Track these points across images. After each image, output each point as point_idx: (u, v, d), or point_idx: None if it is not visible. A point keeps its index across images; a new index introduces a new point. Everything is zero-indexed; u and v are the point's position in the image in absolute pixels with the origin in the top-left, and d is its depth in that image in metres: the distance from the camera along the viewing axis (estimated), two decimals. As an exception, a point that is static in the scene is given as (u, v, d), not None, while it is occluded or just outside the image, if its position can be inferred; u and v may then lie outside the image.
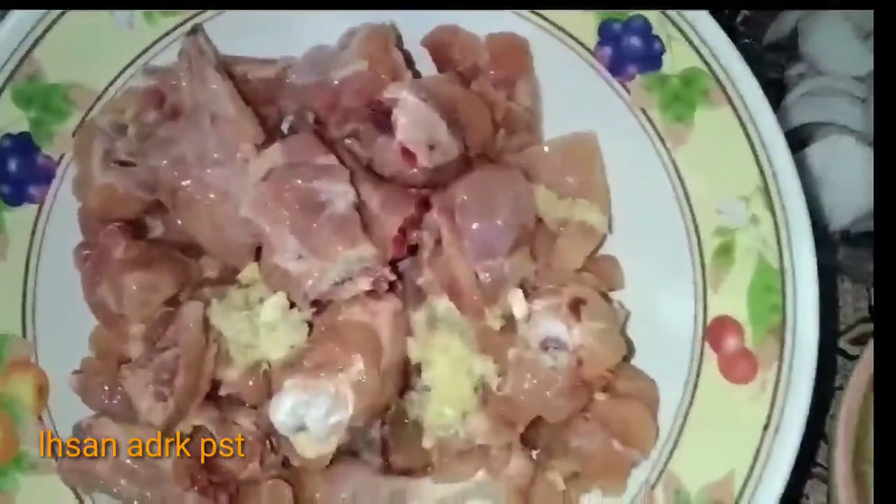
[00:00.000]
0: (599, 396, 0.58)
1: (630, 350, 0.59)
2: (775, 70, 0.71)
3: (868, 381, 0.61)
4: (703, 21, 0.56)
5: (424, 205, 0.59)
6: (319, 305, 0.59)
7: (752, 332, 0.56)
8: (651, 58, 0.58)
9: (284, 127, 0.66)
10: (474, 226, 0.58)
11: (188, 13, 0.63)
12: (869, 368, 0.61)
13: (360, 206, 0.57)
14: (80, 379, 0.61)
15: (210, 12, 0.63)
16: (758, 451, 0.54)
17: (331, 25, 0.64)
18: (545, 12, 0.61)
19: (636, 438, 0.58)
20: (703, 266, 0.59)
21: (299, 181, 0.56)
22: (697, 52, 0.57)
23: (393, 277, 0.57)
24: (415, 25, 0.63)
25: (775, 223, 0.56)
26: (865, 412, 0.61)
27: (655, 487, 0.58)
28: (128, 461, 0.58)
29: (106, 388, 0.60)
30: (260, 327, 0.58)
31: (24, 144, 0.62)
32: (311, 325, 0.59)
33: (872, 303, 0.68)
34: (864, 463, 0.61)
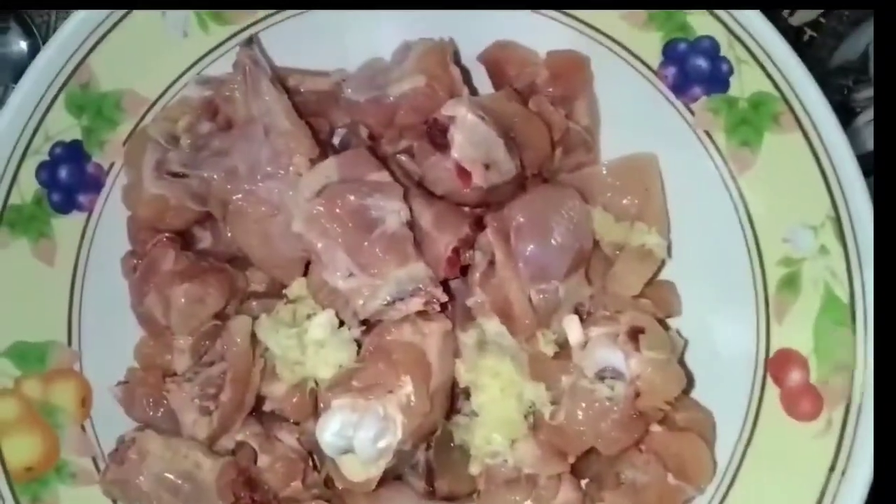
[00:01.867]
0: (655, 428, 0.56)
1: (689, 382, 0.57)
2: (841, 94, 0.69)
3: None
4: (774, 44, 0.54)
5: (478, 224, 0.58)
6: (368, 324, 0.57)
7: (817, 368, 0.54)
8: (718, 79, 0.57)
9: (335, 140, 0.65)
10: (529, 248, 0.56)
11: (242, 23, 0.62)
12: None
13: (412, 225, 0.56)
14: (124, 390, 0.60)
15: (263, 23, 0.62)
16: (822, 494, 0.52)
17: (384, 37, 0.63)
18: (607, 29, 0.59)
19: (692, 473, 0.56)
20: (766, 296, 0.57)
21: (352, 197, 0.55)
22: (768, 75, 0.55)
23: (445, 298, 0.56)
24: (470, 41, 0.62)
25: (846, 254, 0.53)
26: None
27: (711, 525, 0.56)
28: (170, 476, 0.57)
29: (150, 400, 0.59)
30: (308, 345, 0.57)
31: (74, 152, 0.61)
32: (358, 343, 0.58)
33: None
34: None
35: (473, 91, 0.62)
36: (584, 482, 0.59)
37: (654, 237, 0.59)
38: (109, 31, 0.60)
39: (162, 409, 0.59)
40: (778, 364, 0.56)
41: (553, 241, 0.57)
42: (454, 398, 0.59)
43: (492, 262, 0.57)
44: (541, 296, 0.57)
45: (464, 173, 0.56)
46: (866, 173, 0.54)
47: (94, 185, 0.62)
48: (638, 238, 0.59)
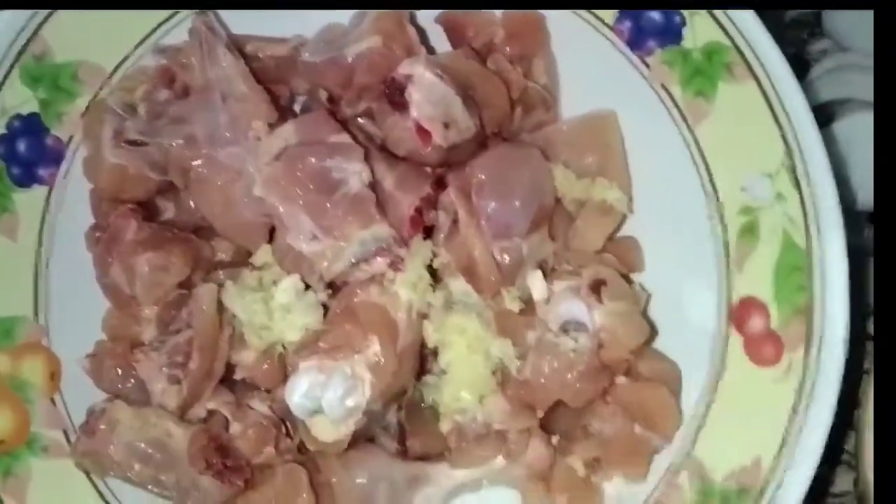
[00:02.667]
0: (621, 380, 0.57)
1: (652, 332, 0.58)
2: (796, 46, 0.70)
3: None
4: (724, -8, 0.55)
5: (440, 184, 0.58)
6: (334, 287, 0.58)
7: (777, 313, 0.55)
8: (671, 31, 0.57)
9: (296, 106, 0.65)
10: (491, 205, 0.57)
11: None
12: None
13: (374, 186, 0.56)
14: (92, 362, 0.60)
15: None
16: (785, 436, 0.53)
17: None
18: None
19: (658, 422, 0.57)
20: (726, 245, 0.57)
21: (313, 160, 0.55)
22: (720, 25, 0.55)
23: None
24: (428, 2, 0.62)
25: (802, 201, 0.54)
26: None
27: (679, 473, 0.57)
28: (141, 445, 0.57)
29: (119, 371, 0.59)
30: (274, 309, 0.57)
31: (33, 125, 0.61)
32: (325, 307, 0.58)
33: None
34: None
35: (431, 52, 0.62)
36: (555, 439, 0.60)
37: (615, 192, 0.60)
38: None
39: (131, 380, 0.59)
40: (740, 312, 0.56)
41: (514, 199, 0.57)
42: (424, 359, 0.60)
43: (455, 222, 0.58)
44: (504, 253, 0.57)
45: (423, 132, 0.56)
46: (821, 124, 0.55)
47: (54, 158, 0.62)
48: (599, 194, 0.60)
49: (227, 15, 0.63)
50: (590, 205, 0.59)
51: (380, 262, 0.56)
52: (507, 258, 0.57)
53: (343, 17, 0.62)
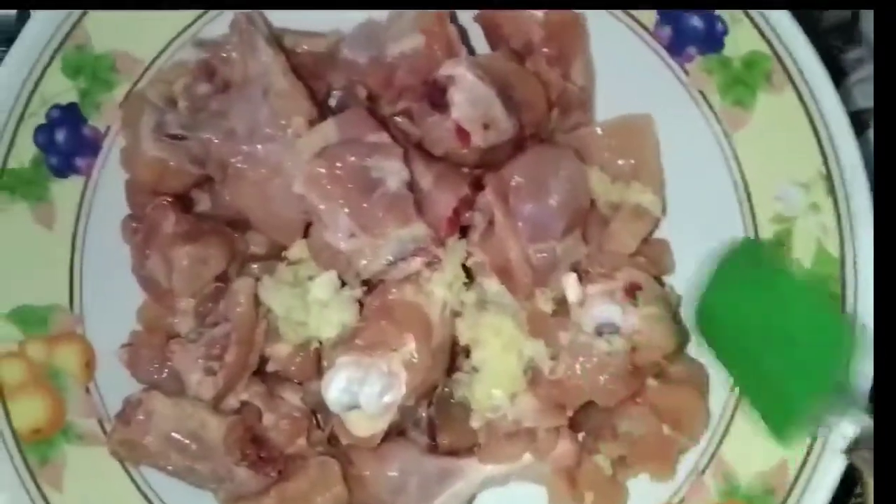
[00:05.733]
0: (651, 381, 0.58)
1: (684, 336, 0.59)
2: (832, 54, 0.70)
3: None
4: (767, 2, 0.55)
5: (477, 185, 0.59)
6: (369, 284, 0.58)
7: (807, 320, 0.56)
8: (713, 39, 0.57)
9: (332, 101, 0.65)
10: (527, 207, 0.57)
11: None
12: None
13: (412, 185, 0.57)
14: (128, 352, 0.61)
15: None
16: (813, 440, 0.54)
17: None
18: (604, -11, 0.59)
19: (686, 424, 0.58)
20: (759, 252, 0.58)
21: (353, 158, 0.56)
22: (762, 34, 0.56)
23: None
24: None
25: (837, 210, 0.55)
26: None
27: (705, 473, 0.58)
28: (177, 435, 0.58)
29: (155, 361, 0.60)
30: (311, 305, 0.58)
31: (71, 115, 0.61)
32: (360, 304, 0.59)
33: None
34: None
35: (470, 51, 0.62)
36: (581, 436, 0.61)
37: (649, 196, 0.60)
38: (105, -9, 0.59)
39: (166, 371, 0.60)
40: (770, 318, 0.58)
41: (551, 201, 0.58)
42: (454, 356, 0.61)
43: (491, 223, 0.58)
44: (539, 255, 0.58)
45: (463, 133, 0.57)
46: (857, 131, 0.55)
47: (92, 148, 0.62)
48: (633, 197, 0.60)
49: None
50: (624, 209, 0.60)
51: (417, 262, 0.56)
52: (541, 260, 0.58)
53: (380, 13, 0.62)
